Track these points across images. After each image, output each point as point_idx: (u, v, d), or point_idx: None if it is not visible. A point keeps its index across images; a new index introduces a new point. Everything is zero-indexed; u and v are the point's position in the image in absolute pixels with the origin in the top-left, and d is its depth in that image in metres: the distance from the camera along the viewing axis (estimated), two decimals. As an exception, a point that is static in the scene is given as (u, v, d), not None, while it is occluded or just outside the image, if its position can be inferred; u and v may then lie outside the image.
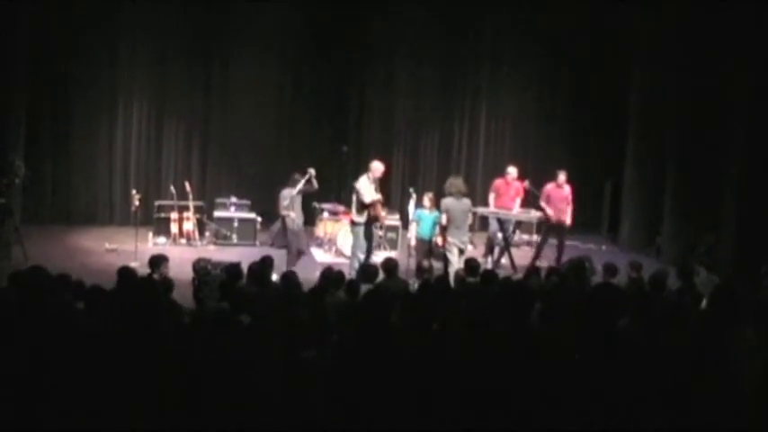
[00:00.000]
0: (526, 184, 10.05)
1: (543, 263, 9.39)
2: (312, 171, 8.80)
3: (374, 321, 4.46)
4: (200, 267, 7.25)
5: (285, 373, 4.03)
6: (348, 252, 9.75)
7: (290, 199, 8.58)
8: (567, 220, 9.94)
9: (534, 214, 9.89)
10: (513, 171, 10.23)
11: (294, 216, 8.51)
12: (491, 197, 10.22)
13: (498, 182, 10.35)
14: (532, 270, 7.47)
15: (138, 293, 5.12)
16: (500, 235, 10.14)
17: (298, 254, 8.77)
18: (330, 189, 11.65)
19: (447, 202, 8.54)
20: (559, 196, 9.97)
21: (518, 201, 10.19)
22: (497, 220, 10.10)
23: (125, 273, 5.94)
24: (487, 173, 12.60)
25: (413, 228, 9.07)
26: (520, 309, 5.20)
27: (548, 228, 10.00)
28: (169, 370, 3.98)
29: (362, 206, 8.66)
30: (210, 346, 4.17)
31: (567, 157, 12.86)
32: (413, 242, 9.03)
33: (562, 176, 10.03)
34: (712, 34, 9.88)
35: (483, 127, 13.27)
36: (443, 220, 8.48)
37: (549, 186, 10.05)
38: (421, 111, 13.02)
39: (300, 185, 8.71)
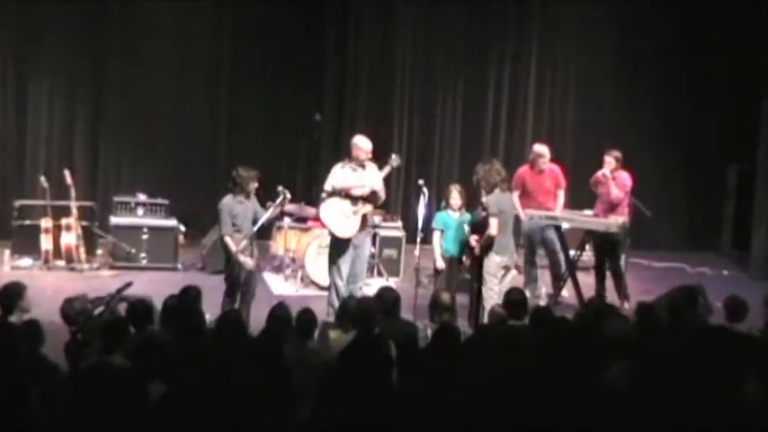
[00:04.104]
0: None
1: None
2: (287, 194, 8.75)
3: (365, 387, 4.48)
4: (76, 312, 7.14)
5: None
6: (323, 279, 9.69)
7: (244, 235, 8.24)
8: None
9: (621, 219, 9.79)
10: (544, 151, 10.24)
11: (250, 262, 8.36)
12: (515, 196, 10.14)
13: (523, 170, 10.35)
14: (593, 304, 7.43)
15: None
16: (560, 251, 10.13)
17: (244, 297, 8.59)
18: (294, 182, 11.65)
19: (498, 198, 8.44)
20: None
21: (560, 196, 10.19)
22: (555, 230, 10.10)
23: None
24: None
25: (437, 241, 9.07)
26: (589, 367, 5.22)
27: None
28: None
29: (330, 195, 8.70)
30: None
31: (662, 132, 12.91)
32: (439, 262, 9.02)
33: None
34: None
35: (533, 86, 13.29)
36: (493, 228, 8.36)
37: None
38: (436, 63, 13.04)
39: (267, 216, 8.61)
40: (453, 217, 9.07)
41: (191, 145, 12.58)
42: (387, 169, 8.95)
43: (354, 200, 8.69)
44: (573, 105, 13.42)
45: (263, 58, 12.69)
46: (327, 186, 8.75)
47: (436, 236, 9.05)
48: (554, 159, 10.36)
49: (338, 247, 8.75)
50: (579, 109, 13.37)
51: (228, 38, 12.68)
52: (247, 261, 8.25)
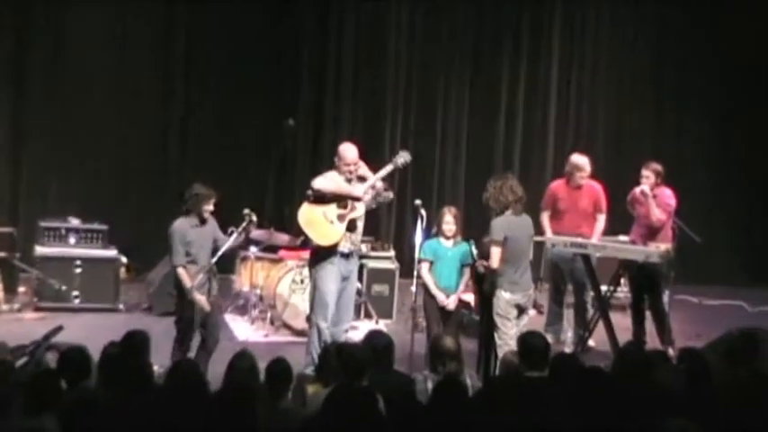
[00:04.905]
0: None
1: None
2: (254, 217, 8.72)
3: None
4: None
5: None
6: (298, 322, 9.75)
7: (201, 267, 8.24)
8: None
9: (663, 247, 9.70)
10: (583, 162, 10.23)
11: (205, 303, 8.29)
12: (544, 217, 10.26)
13: (556, 185, 10.45)
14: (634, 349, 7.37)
15: None
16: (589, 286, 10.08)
17: (205, 345, 8.54)
18: (261, 204, 11.74)
19: (504, 222, 8.41)
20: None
21: (600, 221, 10.18)
22: (583, 260, 9.99)
23: None
24: (560, 171, 12.62)
25: (426, 274, 8.97)
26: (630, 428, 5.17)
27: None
28: None
29: (316, 199, 8.57)
30: None
31: (710, 142, 13.09)
32: (442, 297, 8.92)
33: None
34: None
35: (554, 87, 13.46)
36: (495, 259, 8.32)
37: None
38: (436, 60, 13.21)
39: (228, 244, 8.55)
40: (446, 246, 8.98)
41: (135, 160, 12.63)
42: (389, 167, 8.69)
43: (342, 203, 8.56)
44: (603, 110, 13.57)
45: (224, 57, 12.81)
46: (315, 184, 8.57)
47: (424, 268, 8.92)
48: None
49: (322, 273, 8.61)
50: (611, 114, 13.52)
51: (181, 36, 12.82)
52: (202, 300, 8.14)
